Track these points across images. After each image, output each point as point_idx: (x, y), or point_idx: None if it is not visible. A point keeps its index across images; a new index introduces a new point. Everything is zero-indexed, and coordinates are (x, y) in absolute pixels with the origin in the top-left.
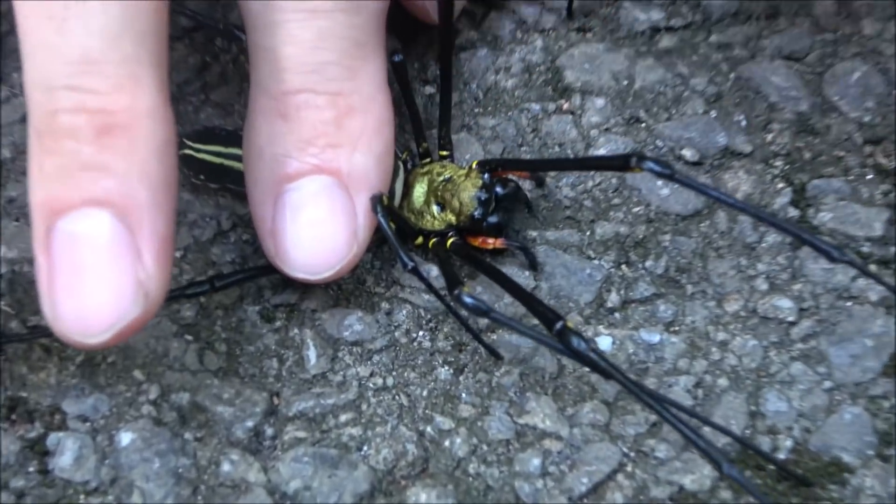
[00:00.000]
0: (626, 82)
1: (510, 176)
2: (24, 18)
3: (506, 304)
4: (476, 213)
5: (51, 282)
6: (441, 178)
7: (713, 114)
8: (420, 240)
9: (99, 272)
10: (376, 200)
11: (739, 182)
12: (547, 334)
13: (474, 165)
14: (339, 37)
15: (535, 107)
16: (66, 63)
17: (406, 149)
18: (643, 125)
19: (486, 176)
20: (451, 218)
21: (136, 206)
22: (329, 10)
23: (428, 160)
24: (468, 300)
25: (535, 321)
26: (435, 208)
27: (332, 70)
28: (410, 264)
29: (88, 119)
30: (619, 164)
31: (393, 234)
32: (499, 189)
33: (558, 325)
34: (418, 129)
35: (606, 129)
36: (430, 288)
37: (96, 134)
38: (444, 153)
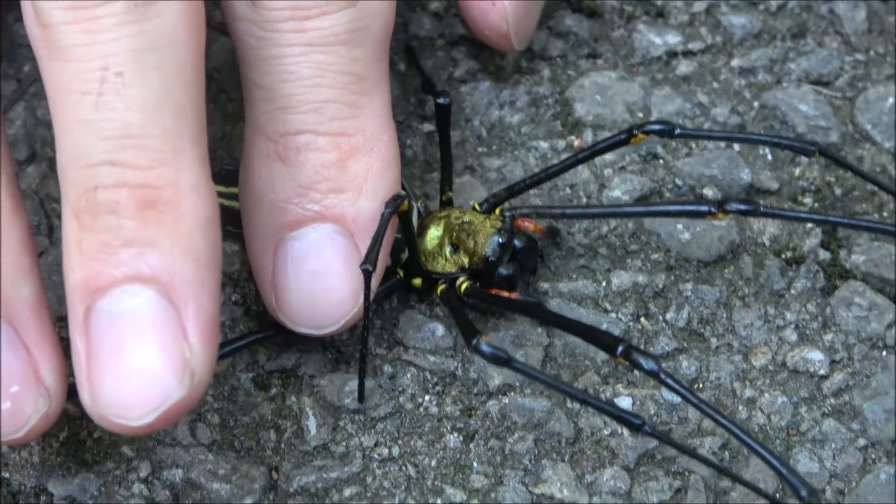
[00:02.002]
0: (641, 115)
1: (527, 229)
2: (56, 94)
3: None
4: (491, 256)
5: (90, 364)
6: (459, 221)
7: (736, 148)
8: (419, 281)
9: (142, 351)
10: (392, 201)
11: (765, 223)
12: (567, 384)
13: (497, 212)
14: (339, 72)
15: (544, 144)
16: (105, 139)
17: (422, 195)
18: (661, 162)
19: (506, 220)
20: (464, 260)
21: (181, 282)
22: (328, 43)
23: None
24: (486, 349)
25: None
26: (448, 249)
27: (333, 108)
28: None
29: (130, 194)
30: (607, 345)
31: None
32: (516, 242)
33: (621, 347)
34: (447, 177)
35: (622, 168)
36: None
37: (139, 209)
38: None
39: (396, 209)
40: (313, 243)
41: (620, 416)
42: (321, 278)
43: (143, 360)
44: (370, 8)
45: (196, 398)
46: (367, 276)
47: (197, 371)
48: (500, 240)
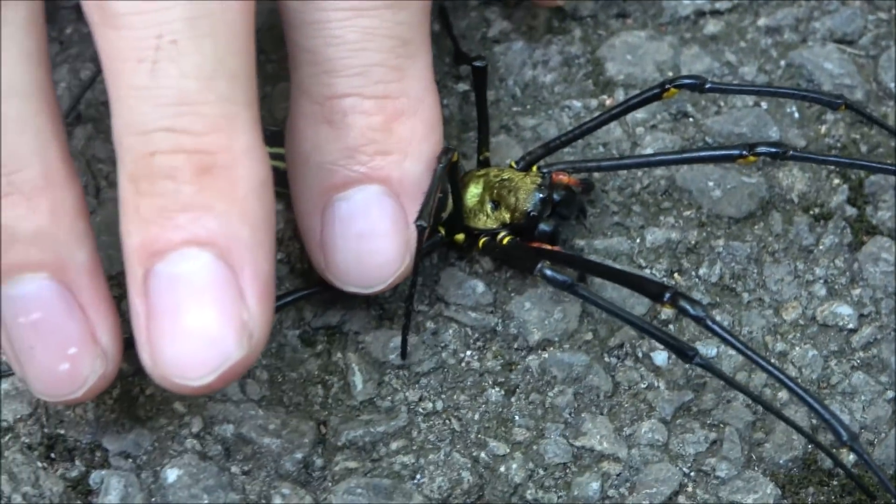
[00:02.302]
0: (670, 73)
1: (562, 182)
2: (111, 62)
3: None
4: (532, 211)
5: (150, 326)
6: (499, 179)
7: (764, 105)
8: (462, 237)
9: (201, 313)
10: (444, 154)
11: (794, 180)
12: (626, 311)
13: (534, 169)
14: (384, 35)
15: (577, 104)
16: (161, 105)
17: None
18: (691, 120)
19: (545, 176)
20: (506, 216)
21: (237, 245)
22: (373, 7)
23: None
24: (551, 274)
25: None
26: (489, 206)
27: (378, 72)
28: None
29: (187, 159)
30: (653, 293)
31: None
32: (555, 196)
33: (668, 294)
34: (483, 139)
35: (653, 127)
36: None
37: (196, 174)
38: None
39: (449, 163)
40: (360, 204)
41: (675, 345)
42: (368, 239)
43: (202, 321)
44: None
45: (254, 358)
46: (421, 231)
47: (255, 332)
48: (541, 195)
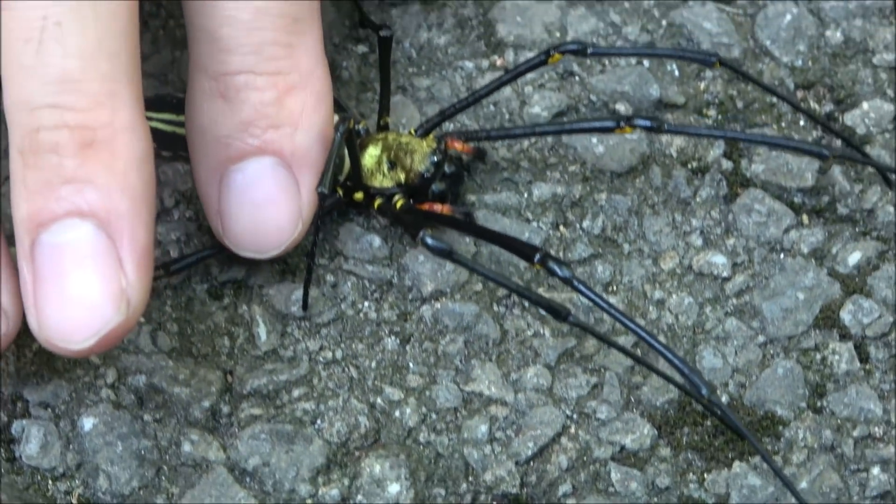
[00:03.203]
0: (558, 34)
1: (456, 150)
2: (2, 41)
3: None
4: (425, 173)
5: (35, 291)
6: (397, 142)
7: (646, 64)
8: (360, 195)
9: (82, 281)
10: (341, 123)
11: (673, 136)
12: (501, 275)
13: (431, 136)
14: (276, 15)
15: (469, 64)
16: (46, 83)
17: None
18: (577, 79)
19: (440, 141)
20: (401, 176)
21: (117, 216)
22: None
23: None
24: (431, 242)
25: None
26: (386, 166)
27: (270, 50)
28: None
29: (70, 134)
30: (524, 254)
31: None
32: (447, 167)
33: (538, 255)
34: (385, 105)
35: (541, 86)
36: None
37: (78, 148)
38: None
39: (346, 132)
40: (254, 175)
41: (549, 306)
42: (262, 207)
43: (83, 288)
44: None
45: (132, 323)
46: (322, 197)
47: (133, 298)
48: (435, 158)
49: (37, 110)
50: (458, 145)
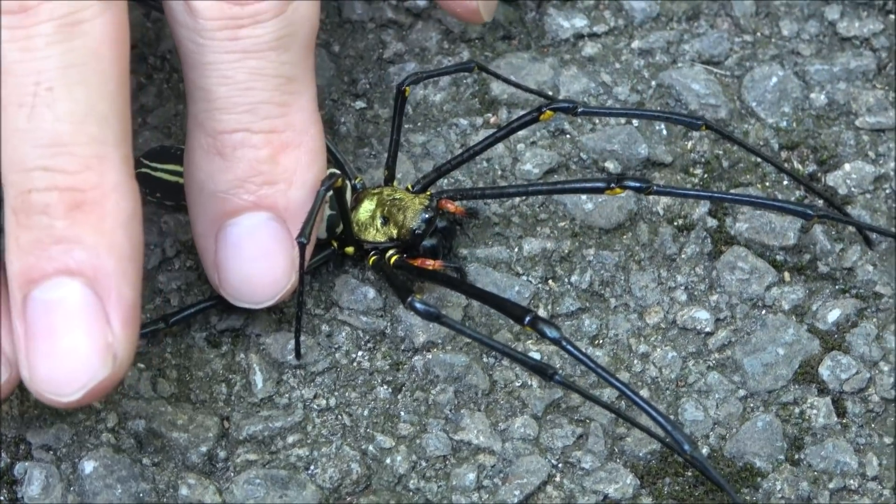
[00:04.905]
0: (550, 93)
1: (448, 209)
2: (1, 105)
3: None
4: (417, 229)
5: (27, 345)
6: (391, 197)
7: (635, 124)
8: (351, 249)
9: (71, 336)
10: (327, 179)
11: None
12: (488, 337)
13: (428, 193)
14: (270, 75)
15: (464, 121)
16: (38, 146)
17: (354, 169)
18: (567, 137)
19: (433, 199)
20: (393, 231)
21: (104, 275)
22: (260, 50)
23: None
24: (420, 307)
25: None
26: (379, 221)
27: (265, 109)
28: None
29: (59, 196)
30: (515, 315)
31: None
32: (439, 222)
33: (528, 317)
34: (392, 157)
35: (532, 143)
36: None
37: (67, 209)
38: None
39: (330, 188)
40: (249, 229)
41: (535, 366)
42: (257, 260)
43: (72, 343)
44: (298, 14)
45: (119, 376)
46: (302, 247)
47: (119, 353)
48: (426, 216)
49: (30, 172)
50: (450, 206)
